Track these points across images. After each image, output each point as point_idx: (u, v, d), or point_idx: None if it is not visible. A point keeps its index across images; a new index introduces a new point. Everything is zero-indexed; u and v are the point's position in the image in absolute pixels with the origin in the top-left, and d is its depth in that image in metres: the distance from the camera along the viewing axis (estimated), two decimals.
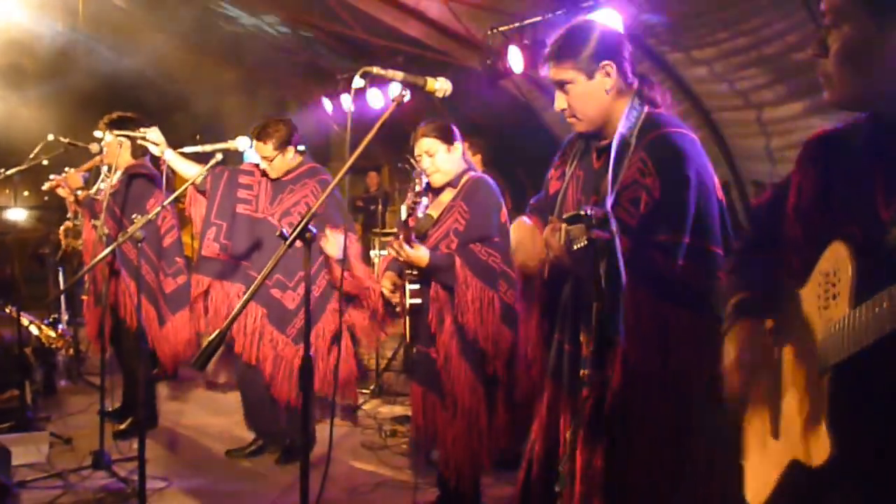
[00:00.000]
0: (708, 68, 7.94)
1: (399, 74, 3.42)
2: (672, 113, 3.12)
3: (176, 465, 6.02)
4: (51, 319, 8.34)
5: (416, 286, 4.80)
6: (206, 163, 5.50)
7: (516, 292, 4.49)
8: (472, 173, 4.88)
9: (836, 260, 1.95)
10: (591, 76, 3.04)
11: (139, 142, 5.95)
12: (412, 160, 4.94)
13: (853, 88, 2.01)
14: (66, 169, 6.68)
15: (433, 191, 4.90)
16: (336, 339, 5.75)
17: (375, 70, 3.42)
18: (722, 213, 2.96)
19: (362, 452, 6.36)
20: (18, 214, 11.48)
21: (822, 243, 2.00)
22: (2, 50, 12.17)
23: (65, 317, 8.58)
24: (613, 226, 2.55)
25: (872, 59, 1.95)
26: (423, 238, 4.75)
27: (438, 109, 9.21)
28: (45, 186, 6.69)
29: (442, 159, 4.77)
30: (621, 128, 3.01)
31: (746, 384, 2.32)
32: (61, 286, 8.93)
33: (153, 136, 5.79)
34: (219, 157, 5.46)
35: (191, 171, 5.83)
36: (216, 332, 2.81)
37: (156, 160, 6.13)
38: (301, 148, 5.85)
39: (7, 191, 11.85)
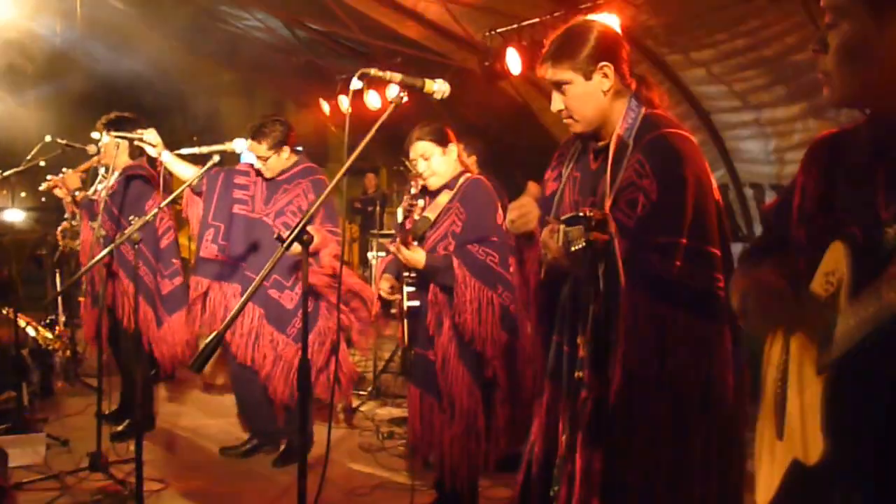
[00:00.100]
0: (706, 70, 7.95)
1: (397, 76, 3.41)
2: (670, 114, 3.11)
3: (173, 466, 6.01)
4: (48, 321, 8.34)
5: (414, 289, 4.80)
6: (204, 164, 5.50)
7: (513, 294, 4.50)
8: (468, 175, 4.88)
9: (836, 259, 1.95)
10: (588, 77, 3.02)
11: (136, 143, 5.94)
12: (407, 164, 4.94)
13: (852, 86, 2.00)
14: (64, 170, 6.67)
15: (430, 193, 4.90)
16: (335, 338, 5.75)
17: (373, 72, 3.42)
18: (719, 215, 2.95)
19: (360, 454, 6.35)
20: (16, 215, 11.48)
21: (825, 244, 2.00)
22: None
23: (62, 318, 8.56)
24: (612, 228, 2.54)
25: (871, 56, 1.94)
26: (420, 240, 4.75)
27: (436, 111, 9.21)
28: (43, 187, 6.69)
29: (437, 162, 4.77)
30: (619, 129, 3.00)
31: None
32: (58, 287, 8.91)
33: (150, 138, 5.77)
34: (216, 158, 5.46)
35: (187, 172, 5.83)
36: (214, 333, 2.80)
37: (153, 161, 6.12)
38: (299, 149, 5.86)
39: (4, 192, 11.84)
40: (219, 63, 14.04)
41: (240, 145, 5.64)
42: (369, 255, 11.94)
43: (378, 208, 11.27)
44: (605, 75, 3.02)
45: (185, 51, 13.06)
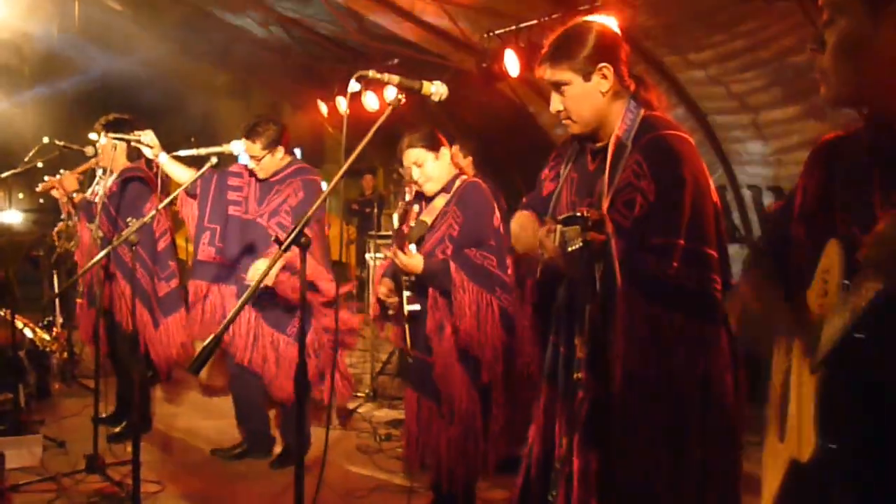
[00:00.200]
0: (704, 71, 7.95)
1: (395, 78, 3.40)
2: (669, 116, 3.11)
3: (170, 468, 6.00)
4: (45, 322, 8.33)
5: (413, 293, 4.80)
6: (201, 165, 5.48)
7: (511, 296, 4.50)
8: (464, 177, 4.88)
9: (830, 259, 1.96)
10: (587, 78, 3.02)
11: (133, 143, 5.93)
12: (401, 171, 4.94)
13: (848, 84, 2.00)
14: (61, 171, 6.66)
15: (426, 197, 4.90)
16: (332, 338, 5.75)
17: (371, 73, 3.41)
18: (716, 216, 2.95)
19: (357, 456, 6.35)
20: (13, 217, 11.48)
21: (824, 243, 2.00)
22: None
23: (59, 319, 8.56)
24: (609, 228, 2.54)
25: (868, 54, 1.94)
26: (418, 244, 4.75)
27: (434, 113, 9.21)
28: (40, 188, 6.69)
29: (431, 168, 4.77)
30: (618, 130, 3.00)
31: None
32: (56, 289, 8.91)
33: (147, 139, 5.76)
34: (213, 160, 5.45)
35: (183, 175, 5.83)
36: (211, 336, 2.80)
37: (151, 163, 6.11)
38: (297, 151, 5.86)
39: (2, 193, 11.82)
40: (215, 64, 14.05)
41: (237, 147, 5.62)
42: (367, 256, 11.90)
43: (376, 210, 11.21)
44: (604, 76, 3.02)
45: (181, 52, 13.06)
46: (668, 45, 7.93)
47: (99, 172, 6.55)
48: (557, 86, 3.06)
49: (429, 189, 4.82)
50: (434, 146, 4.79)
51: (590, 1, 7.25)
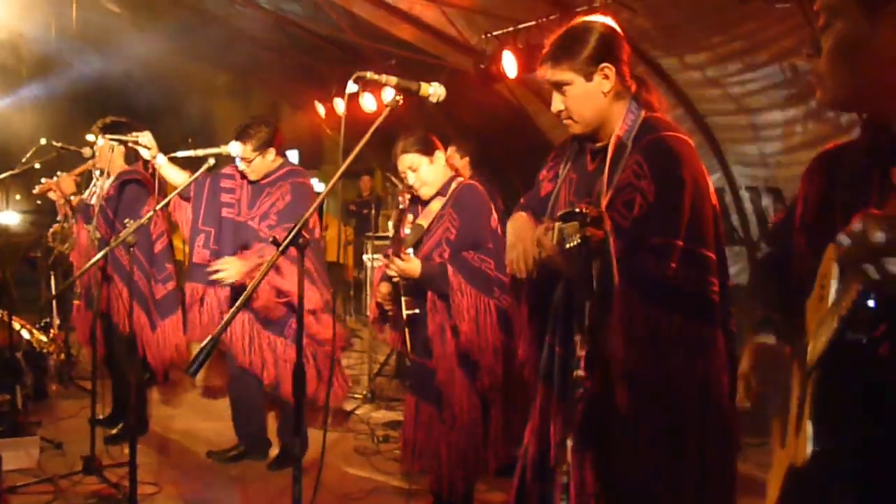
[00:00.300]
0: (702, 73, 7.94)
1: (393, 79, 3.40)
2: (669, 118, 3.10)
3: (167, 470, 6.00)
4: (42, 324, 8.32)
5: (412, 297, 4.79)
6: (199, 167, 5.47)
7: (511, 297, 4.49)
8: (459, 179, 4.87)
9: (828, 263, 1.96)
10: (589, 78, 3.01)
11: (130, 145, 5.92)
12: (393, 178, 4.94)
13: (844, 87, 2.00)
14: (59, 173, 6.66)
15: (422, 201, 4.89)
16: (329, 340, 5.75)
17: (369, 75, 3.40)
18: (715, 219, 2.94)
19: (355, 458, 6.34)
20: (10, 218, 11.47)
21: (824, 249, 2.01)
22: None
23: (56, 321, 8.55)
24: (607, 225, 2.53)
25: (864, 56, 1.94)
26: (415, 247, 4.74)
27: (432, 114, 9.21)
28: (37, 190, 6.68)
29: (426, 172, 4.77)
30: (618, 130, 2.99)
31: (751, 395, 2.38)
32: (53, 290, 8.90)
33: (145, 140, 5.75)
34: (211, 161, 5.44)
35: (178, 178, 5.82)
36: (209, 337, 2.79)
37: (147, 164, 6.10)
38: (293, 152, 5.85)
39: None
40: (214, 65, 14.03)
41: (235, 148, 5.61)
42: (364, 257, 11.93)
43: (373, 211, 11.24)
44: (606, 76, 3.01)
45: (179, 53, 13.04)
46: (666, 47, 7.93)
47: (96, 174, 6.54)
48: (559, 86, 3.05)
49: (424, 193, 4.82)
50: (428, 150, 4.78)
51: (587, 2, 7.25)
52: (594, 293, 2.47)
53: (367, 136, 3.19)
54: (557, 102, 3.08)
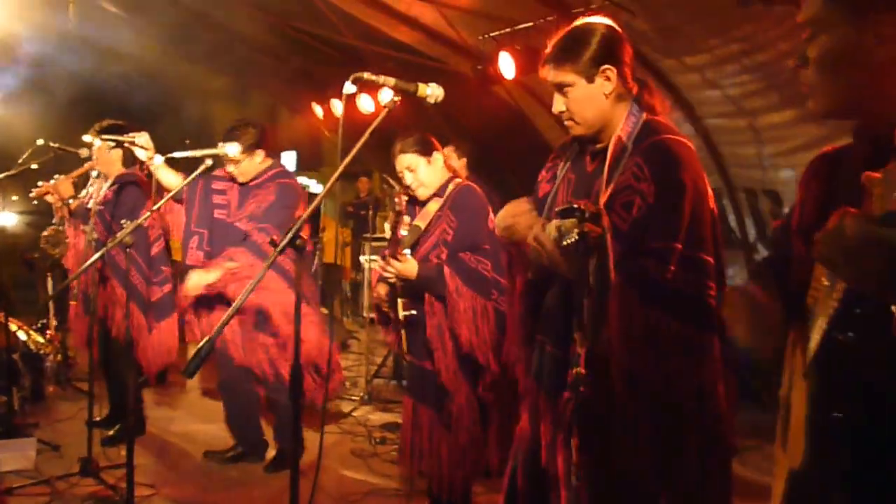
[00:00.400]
0: (700, 75, 7.94)
1: (391, 80, 3.39)
2: (670, 121, 3.09)
3: (164, 472, 6.00)
4: (39, 325, 8.31)
5: (409, 299, 4.79)
6: (196, 168, 5.45)
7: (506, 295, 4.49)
8: (457, 181, 4.87)
9: (821, 267, 1.98)
10: (590, 80, 3.00)
11: (127, 146, 5.91)
12: (390, 180, 4.93)
13: (835, 95, 2.02)
14: (56, 176, 6.65)
15: (419, 202, 4.89)
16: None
17: (366, 76, 3.39)
18: (713, 223, 2.93)
19: (352, 460, 6.34)
20: (7, 219, 11.44)
21: None
22: None
23: (53, 322, 8.55)
24: (605, 222, 2.52)
25: (851, 66, 1.96)
26: (412, 249, 4.73)
27: (429, 115, 9.20)
28: (34, 193, 6.66)
29: (423, 172, 4.76)
30: (619, 131, 2.98)
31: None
32: (50, 291, 8.90)
33: (142, 142, 5.74)
34: (209, 162, 5.44)
35: (173, 181, 5.81)
36: (205, 339, 2.79)
37: (143, 165, 6.09)
38: (293, 155, 5.84)
39: None
40: (211, 67, 14.01)
41: (233, 149, 5.60)
42: (362, 258, 11.92)
43: (371, 212, 11.23)
44: (608, 78, 3.00)
45: (177, 55, 13.03)
46: (664, 49, 7.92)
47: (93, 174, 6.53)
48: (560, 87, 3.04)
49: (421, 194, 4.81)
50: (427, 151, 4.78)
51: (585, 3, 7.24)
52: (591, 290, 2.46)
53: (365, 137, 3.19)
54: (559, 104, 3.07)
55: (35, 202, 7.36)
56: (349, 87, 3.42)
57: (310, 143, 17.14)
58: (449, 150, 5.08)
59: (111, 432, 6.44)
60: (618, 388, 2.73)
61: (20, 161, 7.02)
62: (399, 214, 4.86)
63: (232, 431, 6.21)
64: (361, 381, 8.56)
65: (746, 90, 7.67)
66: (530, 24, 8.09)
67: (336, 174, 3.24)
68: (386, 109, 3.27)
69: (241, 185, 5.84)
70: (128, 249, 5.02)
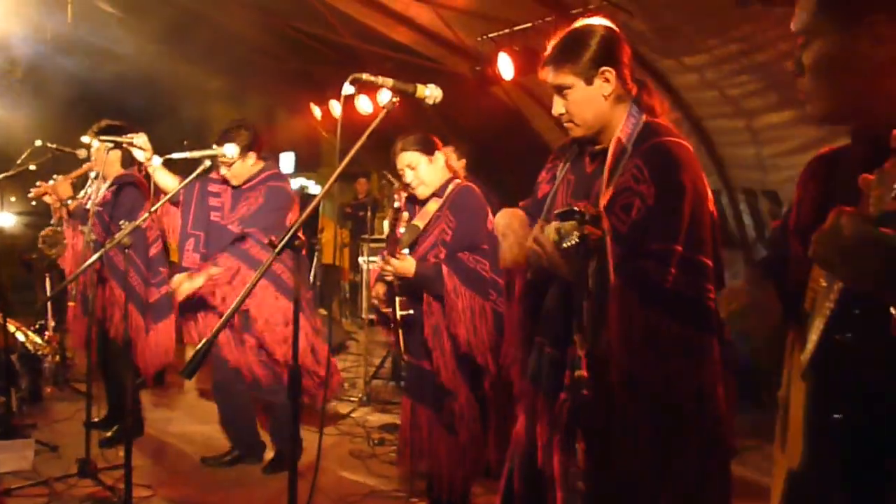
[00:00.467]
0: (699, 75, 7.93)
1: (389, 81, 3.39)
2: (670, 123, 3.09)
3: (162, 473, 5.99)
4: (37, 326, 8.30)
5: (406, 298, 4.79)
6: (194, 169, 5.44)
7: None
8: (457, 181, 4.86)
9: (819, 268, 1.98)
10: (589, 82, 3.00)
11: (125, 147, 5.90)
12: (389, 176, 4.92)
13: (832, 101, 2.04)
14: (55, 176, 6.64)
15: (419, 201, 4.88)
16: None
17: (365, 77, 3.39)
18: (713, 226, 2.93)
19: (351, 461, 6.33)
20: (6, 220, 11.43)
21: None
22: None
23: (51, 323, 8.54)
24: (605, 225, 2.52)
25: (846, 71, 1.98)
26: (411, 248, 4.73)
27: (428, 116, 9.20)
28: (32, 194, 6.65)
29: (424, 171, 4.76)
30: (619, 133, 2.98)
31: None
32: (48, 292, 8.89)
33: (140, 142, 5.74)
34: (207, 163, 5.43)
35: (170, 183, 5.80)
36: (203, 340, 2.78)
37: (140, 167, 6.08)
38: (291, 156, 5.84)
39: None
40: (208, 69, 13.99)
41: (231, 150, 5.59)
42: (360, 259, 11.92)
43: (369, 213, 11.25)
44: (607, 80, 3.00)
45: (174, 55, 13.02)
46: (663, 49, 7.91)
47: (91, 175, 6.53)
48: (560, 89, 3.05)
49: (421, 193, 4.81)
50: (428, 150, 4.78)
51: (583, 4, 7.24)
52: (591, 292, 2.46)
53: (363, 138, 3.18)
54: (558, 105, 3.07)
55: (33, 203, 7.35)
56: (347, 88, 3.41)
57: (308, 144, 17.13)
58: (448, 150, 5.07)
59: (109, 433, 6.44)
60: (618, 390, 2.73)
61: (18, 162, 7.02)
62: (398, 211, 4.86)
63: (228, 434, 6.21)
64: (360, 382, 8.55)
65: (745, 90, 7.67)
66: (529, 24, 8.08)
67: (334, 175, 3.23)
68: (384, 110, 3.27)
69: (235, 187, 5.84)
70: (126, 251, 5.01)
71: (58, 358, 8.25)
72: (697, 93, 8.23)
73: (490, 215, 4.78)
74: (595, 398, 2.69)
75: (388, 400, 8.05)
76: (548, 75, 3.08)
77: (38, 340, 7.86)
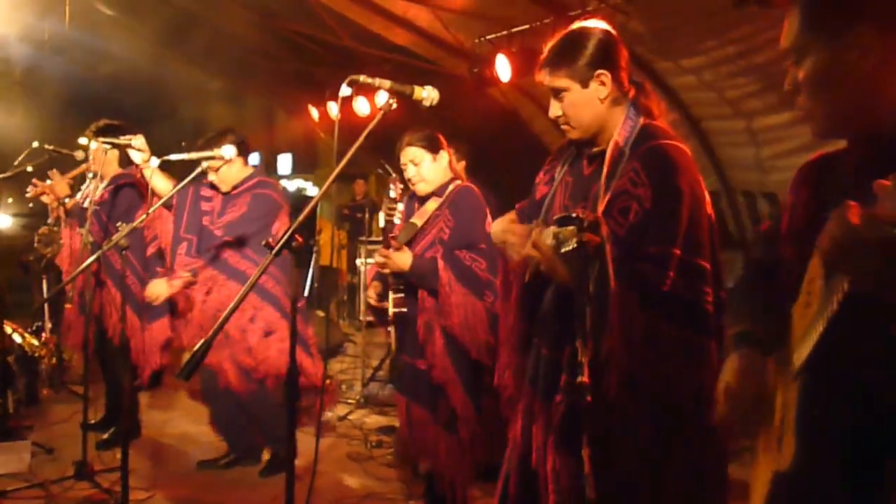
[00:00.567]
0: (697, 77, 7.92)
1: (386, 83, 3.39)
2: (668, 125, 3.09)
3: (159, 475, 5.97)
4: (34, 328, 8.29)
5: (401, 295, 4.77)
6: (191, 171, 5.43)
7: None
8: (458, 182, 4.86)
9: (815, 269, 1.99)
10: (585, 85, 3.00)
11: (123, 147, 5.90)
12: (387, 167, 4.91)
13: (830, 118, 2.06)
14: (51, 173, 6.63)
15: (418, 199, 4.88)
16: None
17: (362, 78, 3.39)
18: (710, 229, 2.93)
19: (348, 464, 6.31)
20: (2, 221, 11.45)
21: (811, 258, 2.03)
22: None
23: (48, 325, 8.53)
24: (604, 231, 2.52)
25: (840, 83, 2.01)
26: (408, 246, 4.72)
27: (425, 118, 9.19)
28: (30, 193, 6.64)
29: (427, 168, 4.76)
30: (616, 136, 2.98)
31: (733, 412, 2.36)
32: (45, 294, 8.88)
33: (138, 144, 5.73)
34: (204, 164, 5.43)
35: (165, 186, 5.80)
36: (201, 342, 2.78)
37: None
38: (289, 157, 5.83)
39: None
40: (207, 70, 14.01)
41: (228, 152, 5.58)
42: (358, 261, 11.90)
43: (367, 215, 11.22)
44: (603, 83, 3.00)
45: (173, 57, 13.03)
46: (661, 51, 7.91)
47: (89, 176, 6.52)
48: (556, 92, 3.04)
49: (420, 189, 4.81)
50: (434, 148, 4.78)
51: (581, 6, 7.23)
52: (592, 298, 2.45)
53: (361, 139, 3.18)
54: (555, 108, 3.07)
55: (30, 204, 7.35)
56: (345, 90, 3.41)
57: (306, 146, 17.16)
58: (451, 154, 5.08)
59: (106, 435, 6.44)
60: (618, 391, 2.73)
61: (15, 163, 7.01)
62: (393, 201, 4.84)
63: (223, 437, 6.20)
64: (357, 384, 8.55)
65: (743, 92, 7.66)
66: (526, 26, 8.08)
67: (332, 176, 3.23)
68: (382, 112, 3.27)
69: (224, 193, 5.84)
70: (123, 252, 5.01)
71: (54, 360, 8.24)
72: (696, 94, 8.23)
73: (489, 216, 4.77)
74: (596, 402, 2.68)
75: (385, 402, 8.03)
76: (544, 78, 3.08)
77: (35, 342, 7.85)
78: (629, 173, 2.88)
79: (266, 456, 6.13)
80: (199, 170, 5.38)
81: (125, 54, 12.49)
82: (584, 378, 2.44)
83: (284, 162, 18.42)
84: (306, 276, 12.56)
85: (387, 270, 4.73)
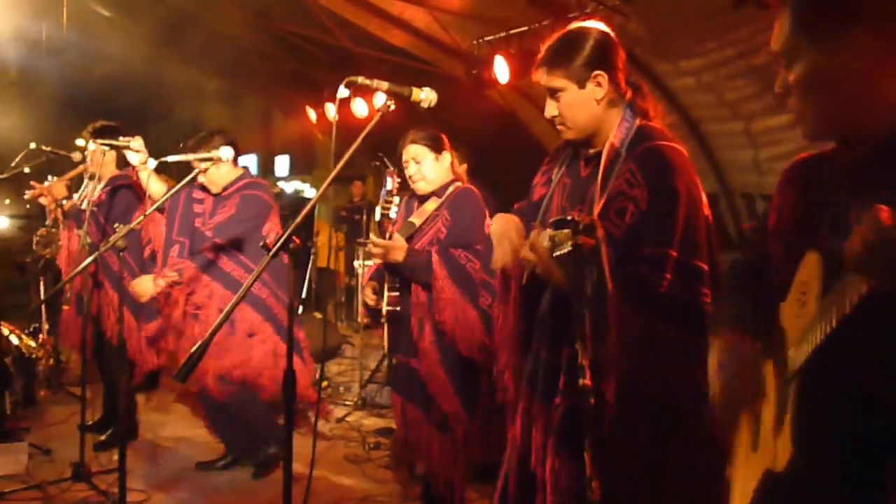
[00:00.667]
0: (696, 79, 7.93)
1: (384, 84, 3.38)
2: (664, 126, 3.08)
3: (157, 477, 5.96)
4: (31, 329, 8.28)
5: (396, 293, 4.76)
6: (189, 172, 5.43)
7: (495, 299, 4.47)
8: (458, 184, 4.85)
9: (809, 270, 1.99)
10: (582, 85, 2.99)
11: (121, 149, 5.90)
12: (385, 159, 4.90)
13: (821, 120, 2.06)
14: (49, 177, 6.63)
15: (418, 199, 4.87)
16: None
17: (360, 80, 3.38)
18: (708, 230, 2.93)
19: (346, 466, 6.30)
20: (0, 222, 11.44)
21: (800, 258, 2.04)
22: None
23: (45, 326, 8.52)
24: (600, 233, 2.51)
25: (831, 86, 2.00)
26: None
27: (423, 119, 9.19)
28: (28, 195, 6.63)
29: (428, 167, 4.75)
30: (613, 138, 2.97)
31: (724, 392, 2.38)
32: (42, 295, 8.87)
33: (136, 146, 5.73)
34: (203, 165, 5.42)
35: (159, 189, 5.80)
36: (198, 343, 2.77)
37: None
38: (287, 159, 5.83)
39: None
40: (205, 70, 14.01)
41: (226, 153, 5.57)
42: (355, 263, 11.90)
43: (364, 216, 11.21)
44: (599, 84, 2.99)
45: (170, 58, 13.03)
46: (659, 53, 7.92)
47: (87, 177, 6.52)
48: (552, 92, 3.04)
49: (420, 188, 4.80)
50: (437, 147, 4.77)
51: (580, 7, 7.24)
52: (589, 301, 2.45)
53: (359, 141, 3.18)
54: (551, 108, 3.06)
55: (28, 206, 7.35)
56: (343, 91, 3.41)
57: (303, 147, 17.15)
58: (454, 156, 5.08)
59: (103, 437, 6.43)
60: (617, 391, 2.72)
61: (12, 165, 7.00)
62: (390, 193, 4.83)
63: (220, 439, 6.19)
64: (355, 386, 8.54)
65: (742, 94, 7.68)
66: (525, 28, 8.08)
67: (329, 178, 3.22)
68: (379, 114, 3.26)
69: (215, 195, 5.83)
70: (121, 253, 5.00)
71: (52, 361, 8.23)
72: (694, 96, 8.24)
73: (488, 218, 4.76)
74: (596, 404, 2.68)
75: (383, 404, 8.02)
76: (541, 77, 3.07)
77: (32, 343, 7.83)
78: (625, 174, 2.87)
79: (263, 457, 6.12)
80: (195, 173, 5.38)
81: (121, 55, 12.47)
82: (586, 381, 2.43)
83: (282, 163, 18.43)
84: (304, 278, 12.54)
85: (378, 260, 4.70)
